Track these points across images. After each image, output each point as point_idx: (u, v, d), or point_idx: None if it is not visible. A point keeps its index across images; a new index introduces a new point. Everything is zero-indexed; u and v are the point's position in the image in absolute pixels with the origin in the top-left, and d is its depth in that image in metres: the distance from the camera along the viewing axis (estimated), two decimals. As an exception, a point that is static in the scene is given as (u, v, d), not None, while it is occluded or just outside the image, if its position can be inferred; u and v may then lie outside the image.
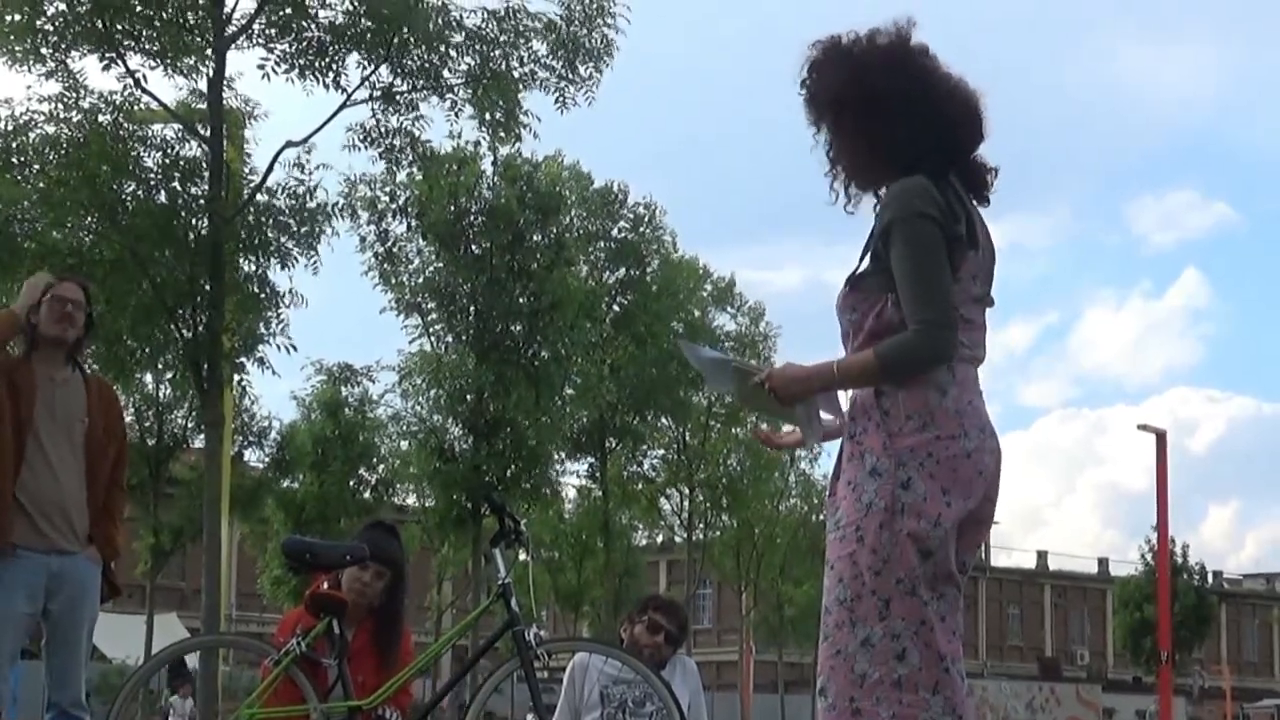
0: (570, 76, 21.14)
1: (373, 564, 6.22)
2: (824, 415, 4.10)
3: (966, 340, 3.95)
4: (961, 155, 4.03)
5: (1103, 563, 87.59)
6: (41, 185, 18.92)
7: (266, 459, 33.96)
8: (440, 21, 20.21)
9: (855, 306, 3.97)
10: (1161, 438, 20.96)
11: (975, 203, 4.06)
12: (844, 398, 4.09)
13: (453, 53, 20.50)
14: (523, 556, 5.90)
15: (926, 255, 3.84)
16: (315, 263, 20.12)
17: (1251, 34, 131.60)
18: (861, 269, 3.98)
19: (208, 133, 19.57)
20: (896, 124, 3.96)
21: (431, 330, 31.73)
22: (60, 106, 18.76)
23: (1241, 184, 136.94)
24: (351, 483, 34.69)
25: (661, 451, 43.12)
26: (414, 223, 30.70)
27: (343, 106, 20.37)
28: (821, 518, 52.46)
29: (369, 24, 19.75)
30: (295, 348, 20.04)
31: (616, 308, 38.27)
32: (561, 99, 21.26)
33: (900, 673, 3.82)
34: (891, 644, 3.83)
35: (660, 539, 51.13)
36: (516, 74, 20.76)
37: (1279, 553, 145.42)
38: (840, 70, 4.00)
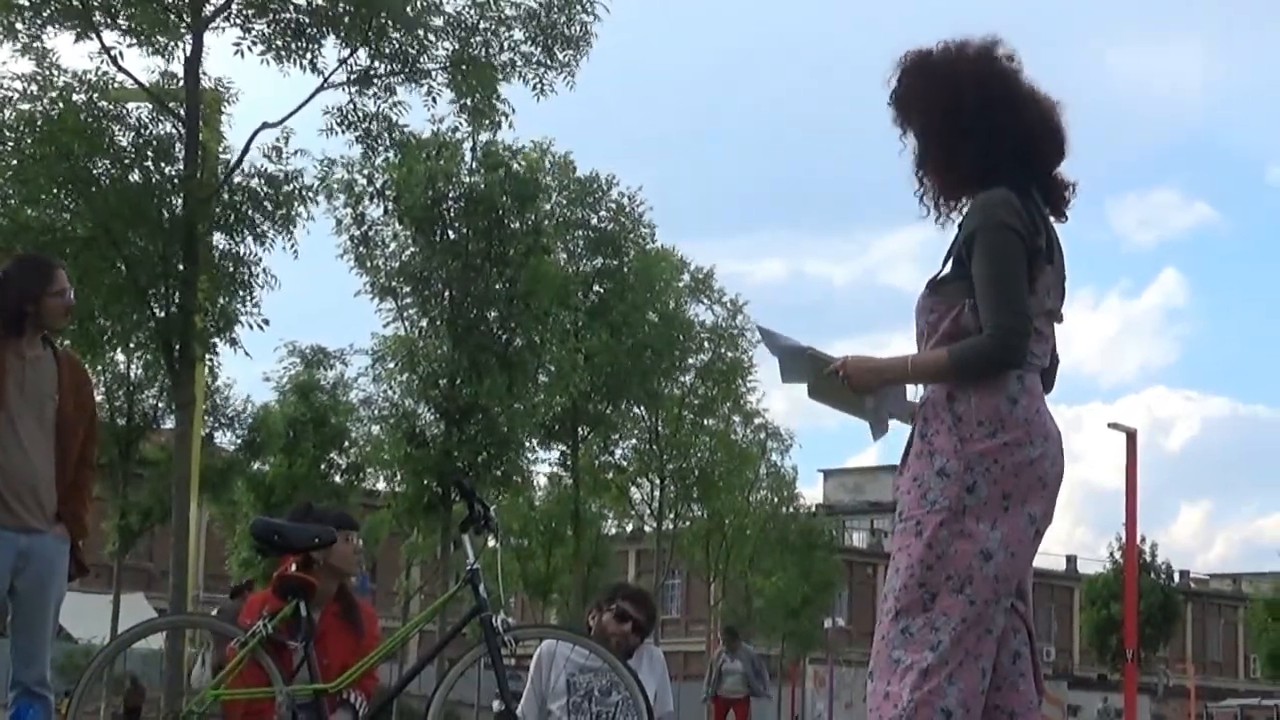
0: (548, 63, 21.14)
1: (349, 531, 6.33)
2: (891, 412, 4.29)
3: (1036, 351, 4.11)
4: (1040, 169, 4.19)
5: (1071, 560, 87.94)
6: (15, 162, 18.82)
7: (238, 441, 33.84)
8: (420, 5, 20.17)
9: (933, 309, 4.13)
10: (1132, 437, 20.92)
11: (1053, 218, 4.22)
12: (915, 398, 4.26)
13: (431, 37, 20.47)
14: (491, 543, 5.91)
15: (1006, 264, 4.00)
16: (294, 246, 20.09)
17: (1236, 37, 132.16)
18: (943, 274, 4.15)
19: (183, 112, 19.49)
20: (974, 135, 4.12)
21: (406, 314, 31.63)
22: (35, 86, 18.66)
23: (1222, 184, 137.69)
24: (322, 466, 34.54)
25: (633, 441, 43.05)
26: (390, 206, 30.58)
27: (319, 89, 20.31)
28: (790, 510, 53.10)
29: (348, 6, 19.69)
30: (267, 322, 19.97)
31: (593, 296, 38.19)
32: (540, 84, 21.28)
33: (929, 661, 3.98)
34: (930, 635, 4.00)
35: (630, 528, 51.07)
36: (496, 63, 20.76)
37: (1248, 553, 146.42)
38: (926, 80, 4.18)
